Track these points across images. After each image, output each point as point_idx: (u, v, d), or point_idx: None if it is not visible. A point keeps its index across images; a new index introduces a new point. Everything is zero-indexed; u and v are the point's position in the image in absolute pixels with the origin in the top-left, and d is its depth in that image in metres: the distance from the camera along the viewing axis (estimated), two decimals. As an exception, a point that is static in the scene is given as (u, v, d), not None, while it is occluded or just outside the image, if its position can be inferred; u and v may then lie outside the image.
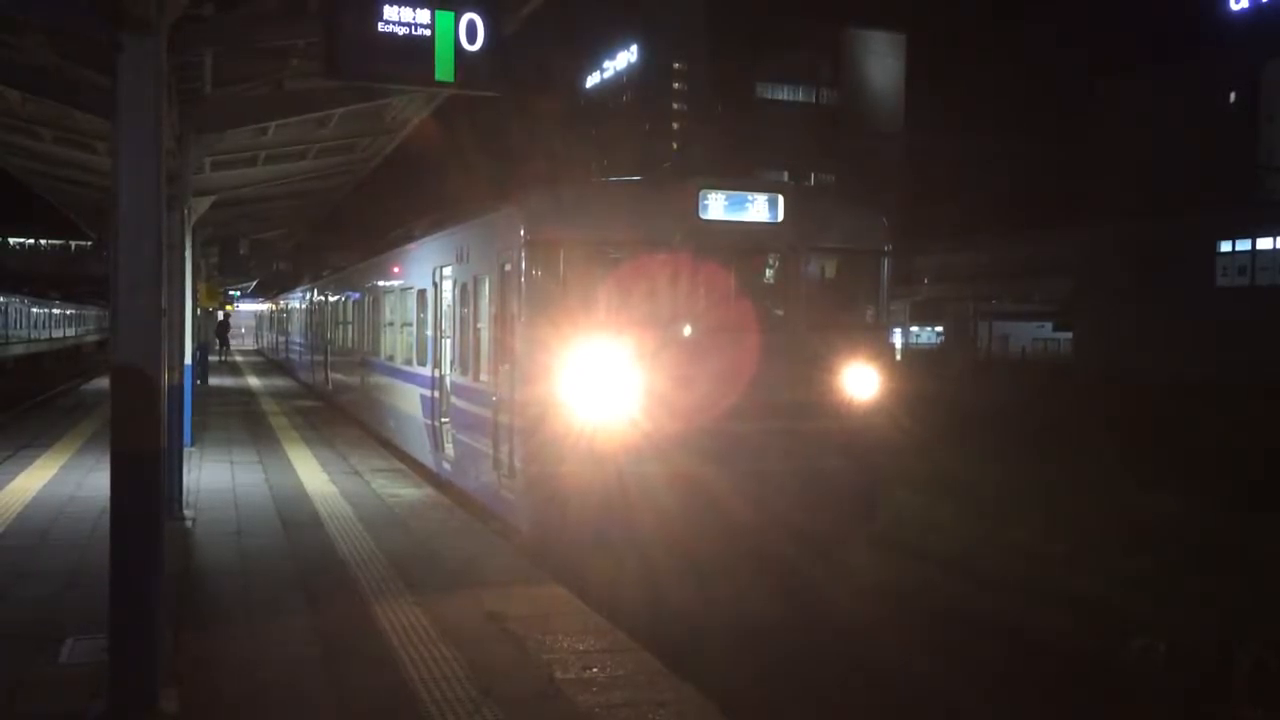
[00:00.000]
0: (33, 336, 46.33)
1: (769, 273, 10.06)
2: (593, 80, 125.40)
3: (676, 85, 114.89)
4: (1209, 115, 57.86)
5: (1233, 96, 59.67)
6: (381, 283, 17.49)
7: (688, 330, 9.20)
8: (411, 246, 15.16)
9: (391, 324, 16.50)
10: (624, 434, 8.78)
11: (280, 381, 33.01)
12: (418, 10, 5.59)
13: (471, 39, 5.74)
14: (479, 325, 10.82)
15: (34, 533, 9.51)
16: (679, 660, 6.28)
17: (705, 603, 8.23)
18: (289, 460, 14.62)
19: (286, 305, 39.61)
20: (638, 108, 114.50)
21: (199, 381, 23.93)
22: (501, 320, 9.74)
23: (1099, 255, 48.01)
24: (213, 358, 36.83)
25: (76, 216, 23.14)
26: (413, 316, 14.44)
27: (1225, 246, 43.64)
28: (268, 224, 25.08)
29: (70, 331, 57.27)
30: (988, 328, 56.51)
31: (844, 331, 9.80)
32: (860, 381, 9.59)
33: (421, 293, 13.77)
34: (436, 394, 12.72)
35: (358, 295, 20.37)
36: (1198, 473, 16.28)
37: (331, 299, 24.89)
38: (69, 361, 49.87)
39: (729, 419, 8.97)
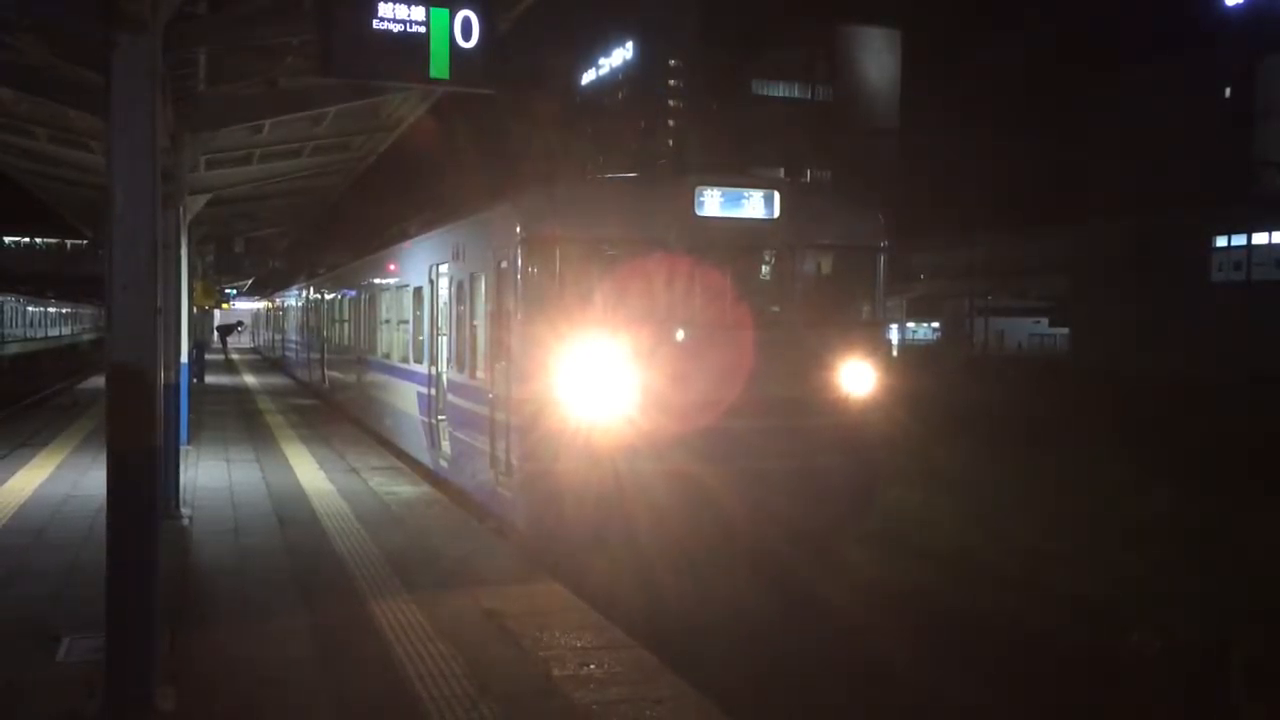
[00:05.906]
0: (29, 335, 46.29)
1: (765, 270, 10.05)
2: (588, 77, 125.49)
3: (672, 82, 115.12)
4: (1204, 110, 57.97)
5: (1228, 91, 59.78)
6: (378, 280, 17.47)
7: (684, 328, 9.20)
8: (407, 244, 15.14)
9: (388, 322, 16.48)
10: (621, 431, 8.78)
11: (276, 380, 32.97)
12: (413, 7, 5.59)
13: (466, 36, 5.73)
14: (475, 323, 10.81)
15: (30, 531, 9.50)
16: (676, 657, 6.28)
17: (702, 600, 8.23)
18: (286, 458, 14.60)
19: (283, 303, 39.56)
20: (633, 105, 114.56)
21: (195, 380, 23.89)
22: (498, 318, 9.73)
23: (1095, 251, 48.03)
24: (217, 356, 36.75)
25: (72, 215, 23.10)
26: (409, 314, 14.43)
27: (1220, 242, 43.69)
28: (263, 222, 25.04)
29: (66, 330, 57.23)
30: (984, 324, 56.55)
31: (840, 328, 9.80)
32: (857, 378, 9.59)
33: (418, 291, 13.75)
34: (433, 392, 12.71)
35: (354, 293, 20.35)
36: (1194, 467, 16.29)
37: (328, 297, 24.85)
38: (65, 360, 49.76)
39: (725, 416, 8.96)
